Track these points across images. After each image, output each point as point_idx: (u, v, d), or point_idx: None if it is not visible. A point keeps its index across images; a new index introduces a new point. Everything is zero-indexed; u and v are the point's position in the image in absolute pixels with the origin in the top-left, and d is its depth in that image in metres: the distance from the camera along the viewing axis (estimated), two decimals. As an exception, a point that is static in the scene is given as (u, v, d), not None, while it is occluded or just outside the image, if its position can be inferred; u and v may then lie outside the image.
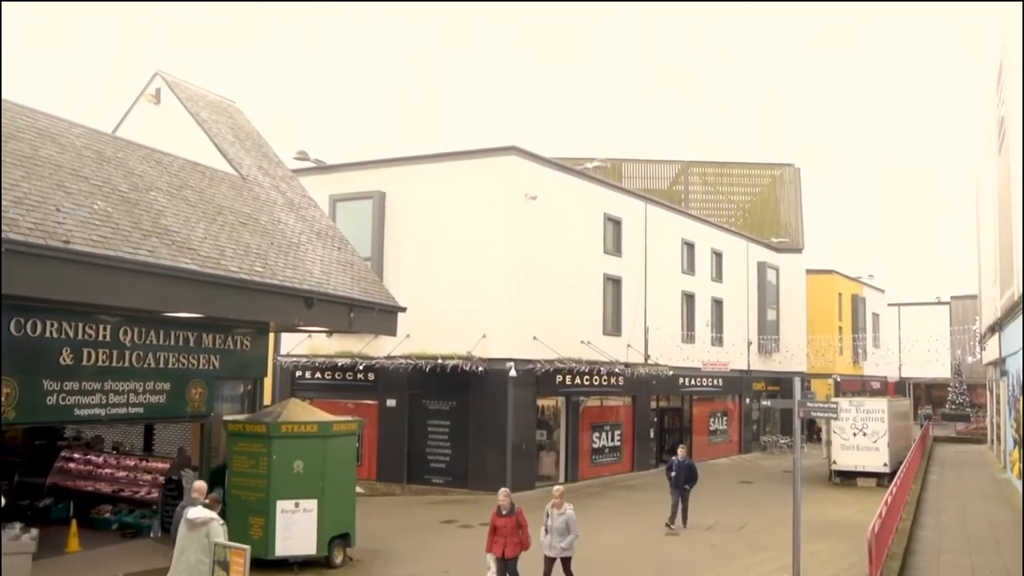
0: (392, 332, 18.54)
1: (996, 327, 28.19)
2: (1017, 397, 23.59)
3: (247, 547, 10.15)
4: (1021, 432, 22.86)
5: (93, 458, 19.03)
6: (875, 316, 56.82)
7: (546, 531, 12.84)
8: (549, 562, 12.84)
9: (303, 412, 15.44)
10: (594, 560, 15.85)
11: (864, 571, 14.47)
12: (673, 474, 19.73)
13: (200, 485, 11.64)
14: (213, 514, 10.69)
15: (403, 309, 18.40)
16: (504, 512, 12.74)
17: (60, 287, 11.49)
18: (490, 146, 25.94)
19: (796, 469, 11.52)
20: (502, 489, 13.01)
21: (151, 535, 16.87)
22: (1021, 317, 19.89)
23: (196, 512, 10.59)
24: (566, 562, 12.83)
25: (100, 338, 13.66)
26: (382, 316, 17.89)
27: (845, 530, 18.96)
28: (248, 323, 16.17)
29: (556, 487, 13.31)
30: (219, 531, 10.45)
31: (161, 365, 14.69)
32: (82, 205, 12.49)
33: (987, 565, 14.57)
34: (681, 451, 20.57)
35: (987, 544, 16.55)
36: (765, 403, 13.39)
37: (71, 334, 13.23)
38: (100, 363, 13.63)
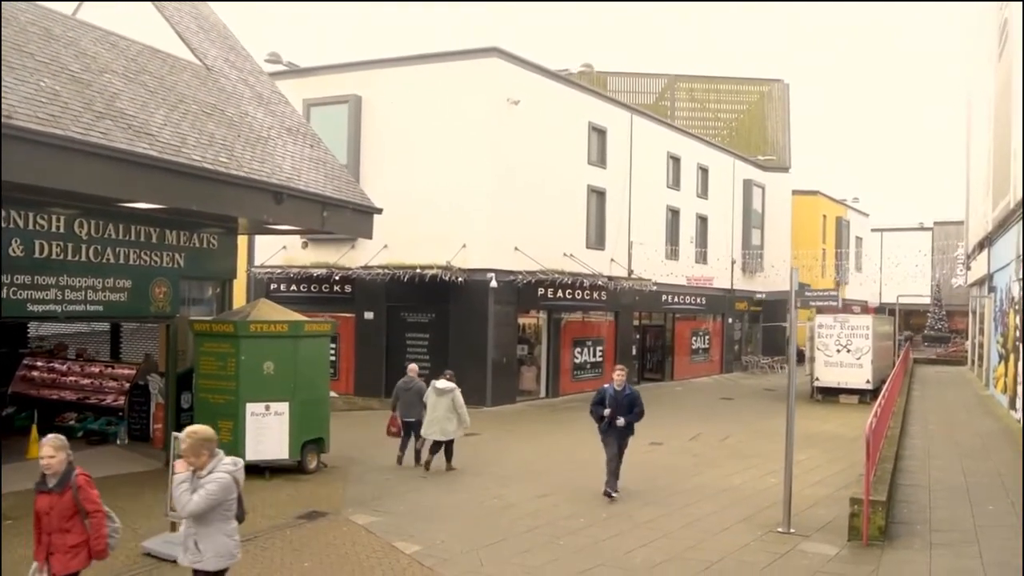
0: (368, 234, 17.72)
1: (985, 242, 27.75)
2: (1005, 311, 23.25)
3: (209, 440, 9.48)
4: (1009, 346, 22.56)
5: (57, 366, 18.33)
6: (858, 240, 56.45)
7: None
8: None
9: (273, 312, 14.72)
10: (578, 468, 15.49)
11: (849, 478, 14.22)
12: (607, 411, 12.79)
13: (414, 367, 16.10)
14: (454, 384, 14.76)
15: (379, 210, 17.54)
16: (51, 484, 6.76)
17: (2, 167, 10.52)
18: (471, 47, 24.77)
19: (791, 366, 10.97)
20: (47, 438, 7.07)
21: (117, 442, 16.29)
22: (1020, 224, 19.34)
23: (443, 383, 14.72)
24: None
25: (53, 229, 12.77)
26: (357, 217, 17.03)
27: (829, 442, 18.75)
28: (213, 219, 15.28)
29: (186, 430, 6.86)
30: (459, 396, 14.73)
31: (121, 261, 13.83)
32: (26, 81, 11.44)
33: (978, 469, 14.29)
34: (618, 374, 13.24)
35: (976, 451, 16.30)
36: (760, 296, 12.56)
37: (21, 224, 12.32)
38: (54, 256, 12.76)
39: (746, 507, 12.31)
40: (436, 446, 14.84)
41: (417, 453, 15.42)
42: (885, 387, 19.03)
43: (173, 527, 9.64)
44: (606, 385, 13.29)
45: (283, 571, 9.09)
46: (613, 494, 12.64)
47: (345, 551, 9.91)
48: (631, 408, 12.96)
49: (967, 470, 14.21)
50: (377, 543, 10.22)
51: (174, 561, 9.16)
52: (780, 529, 10.90)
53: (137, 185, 12.26)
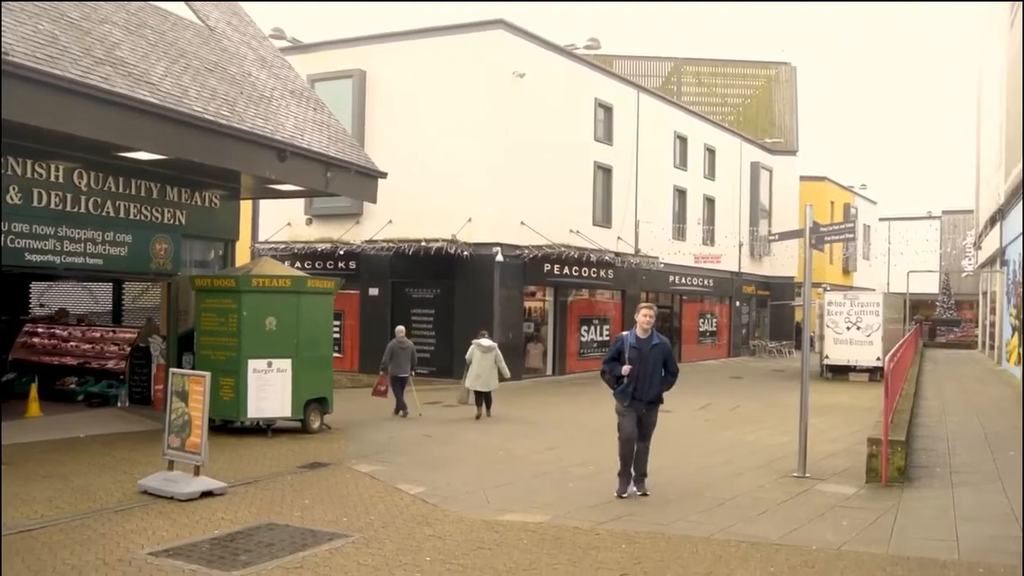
0: (372, 198, 17.46)
1: (997, 216, 27.42)
2: (1018, 282, 22.92)
3: (207, 373, 9.26)
4: (1021, 319, 22.23)
5: (58, 332, 18.13)
6: (866, 228, 56.00)
7: None
8: None
9: (276, 268, 14.49)
10: (586, 429, 15.25)
11: (864, 438, 13.86)
12: (625, 369, 9.18)
13: (401, 328, 17.90)
14: (494, 343, 16.69)
15: (384, 174, 17.28)
16: None
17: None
18: (476, 20, 24.51)
19: (806, 308, 10.68)
20: None
21: (118, 404, 16.08)
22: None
23: (486, 342, 16.55)
24: None
25: (52, 179, 12.58)
26: (361, 180, 16.77)
27: (841, 410, 18.46)
28: (215, 176, 15.02)
29: None
30: (500, 354, 16.58)
31: (121, 215, 13.60)
32: (24, 23, 11.22)
33: (996, 423, 14.00)
34: (644, 315, 9.38)
35: (991, 411, 16.03)
36: (772, 238, 12.18)
37: (19, 171, 12.13)
38: (53, 206, 12.56)
39: (760, 458, 12.04)
40: (479, 396, 16.47)
41: (399, 407, 16.79)
42: (900, 342, 18.73)
43: (171, 466, 9.40)
44: (625, 333, 9.61)
45: (283, 506, 8.84)
46: (624, 494, 9.44)
47: (347, 492, 9.65)
48: (663, 364, 9.35)
49: (985, 424, 13.95)
50: (380, 486, 9.96)
51: (170, 498, 8.97)
52: (796, 473, 10.63)
53: (137, 132, 12.01)
